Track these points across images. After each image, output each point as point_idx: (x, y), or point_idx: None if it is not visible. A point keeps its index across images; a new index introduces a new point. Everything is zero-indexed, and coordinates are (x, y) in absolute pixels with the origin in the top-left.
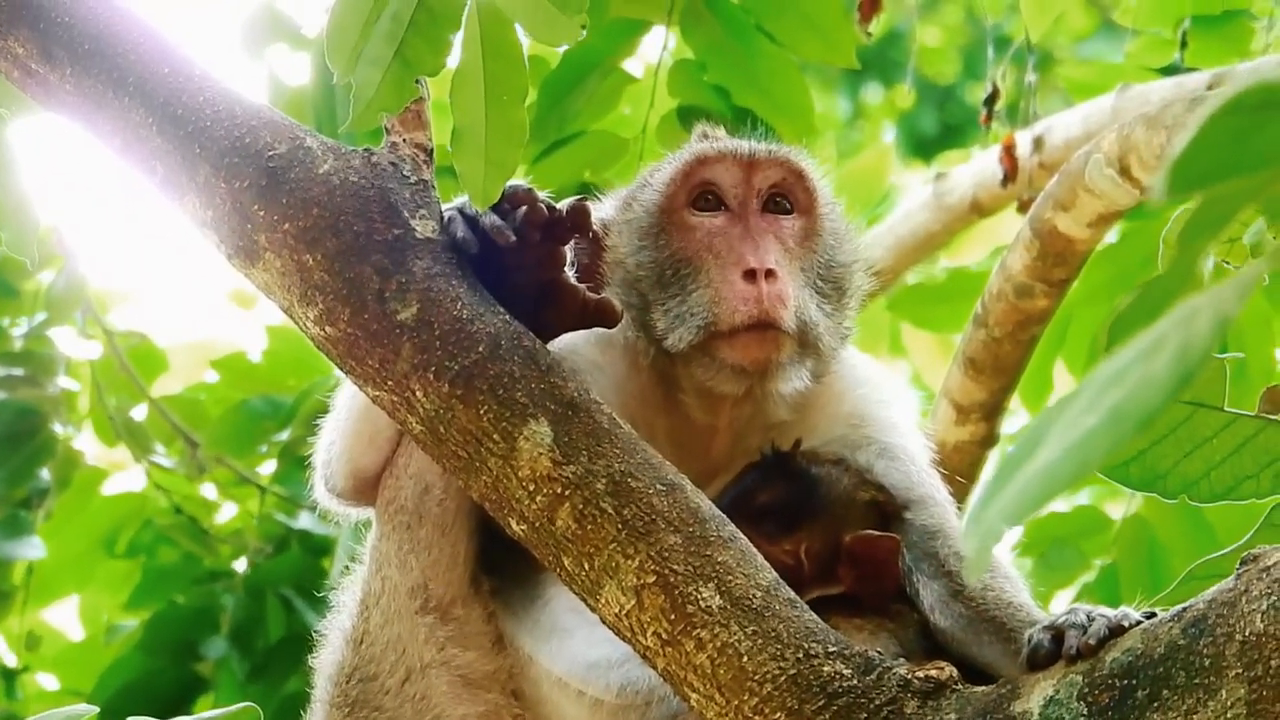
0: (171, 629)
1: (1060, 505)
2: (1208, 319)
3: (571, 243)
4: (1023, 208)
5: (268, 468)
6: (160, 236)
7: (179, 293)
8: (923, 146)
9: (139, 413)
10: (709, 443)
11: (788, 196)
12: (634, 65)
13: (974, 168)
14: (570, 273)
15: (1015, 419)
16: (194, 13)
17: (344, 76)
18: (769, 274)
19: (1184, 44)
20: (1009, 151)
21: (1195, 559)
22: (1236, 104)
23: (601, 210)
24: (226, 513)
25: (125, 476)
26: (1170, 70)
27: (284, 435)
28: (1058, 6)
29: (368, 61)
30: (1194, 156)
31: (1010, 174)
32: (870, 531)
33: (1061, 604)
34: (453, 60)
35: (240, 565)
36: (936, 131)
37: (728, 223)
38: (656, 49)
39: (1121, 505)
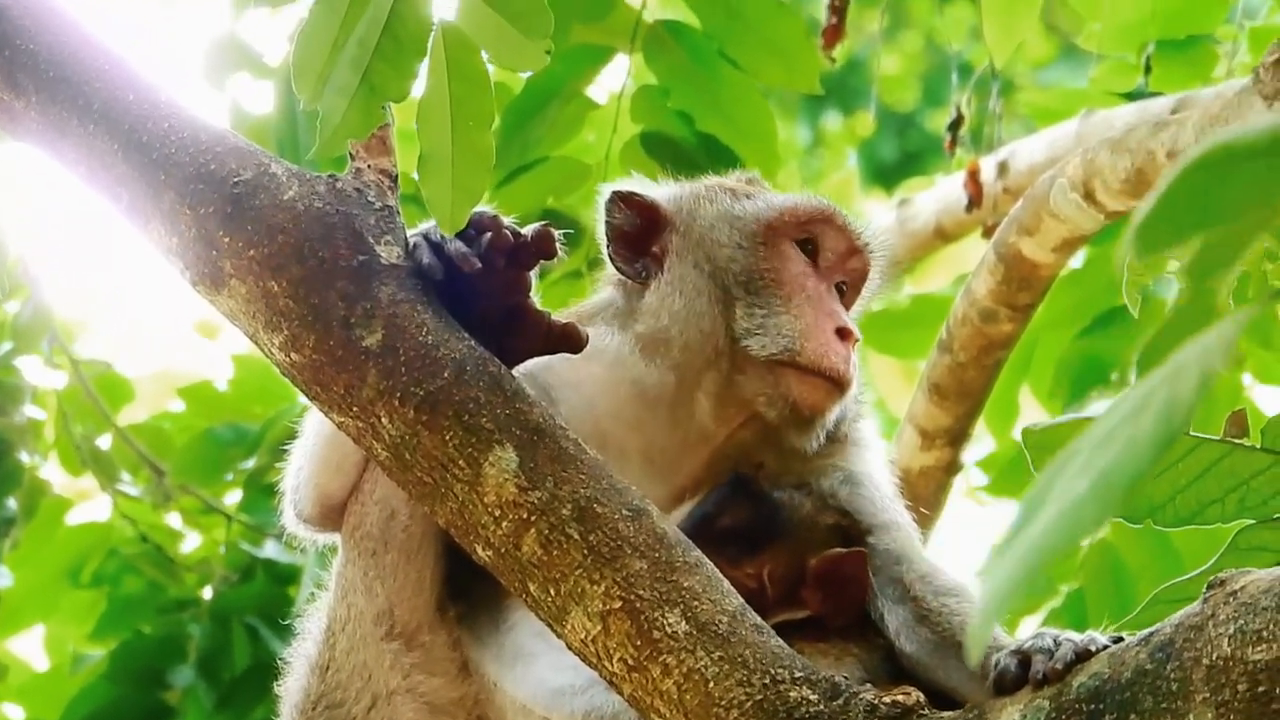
0: (138, 658)
1: None
2: (1193, 376)
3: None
4: (987, 233)
5: (234, 496)
6: (125, 264)
7: (144, 322)
8: (883, 174)
9: (105, 441)
10: (680, 463)
11: (851, 288)
12: (597, 91)
13: (938, 193)
14: (535, 299)
15: (980, 445)
16: (158, 41)
17: (310, 104)
18: (856, 343)
19: (1148, 69)
20: (974, 177)
21: (1162, 584)
22: (1199, 165)
23: (672, 190)
24: (192, 541)
25: (91, 505)
26: (1134, 95)
27: (250, 464)
28: (1021, 32)
29: (334, 88)
30: (1160, 218)
31: (975, 199)
32: (836, 550)
33: (1028, 630)
34: (418, 87)
35: (206, 594)
36: (896, 159)
37: (816, 276)
38: (619, 75)
39: None
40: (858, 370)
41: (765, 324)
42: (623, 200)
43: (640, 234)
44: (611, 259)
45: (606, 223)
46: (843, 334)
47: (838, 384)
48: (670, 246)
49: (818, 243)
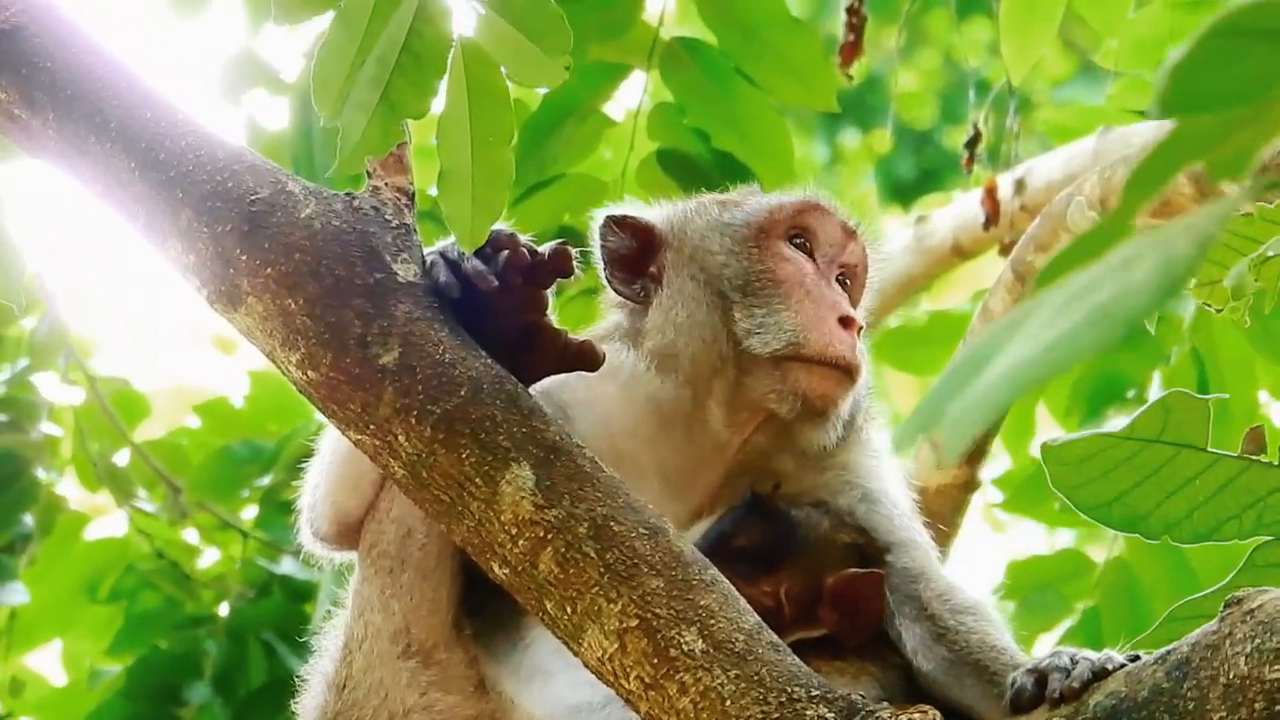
0: (154, 674)
1: (1042, 548)
2: (1187, 238)
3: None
4: (1004, 250)
5: (250, 512)
6: (142, 281)
7: (160, 338)
8: (900, 191)
9: (121, 458)
10: (697, 479)
11: (852, 277)
12: (614, 109)
13: (955, 211)
14: (552, 317)
15: (997, 463)
16: (174, 57)
17: (330, 121)
18: (859, 330)
19: None
20: (991, 194)
21: (1176, 600)
22: (1231, 25)
23: (663, 213)
24: (208, 558)
25: (107, 521)
26: None
27: (266, 480)
28: (1039, 49)
29: (353, 105)
30: (1191, 72)
31: (992, 217)
32: (852, 569)
33: (1044, 648)
34: (437, 104)
35: (222, 610)
36: (914, 176)
37: (815, 271)
38: (636, 92)
39: (1103, 548)
40: (866, 358)
41: (765, 322)
42: (616, 224)
43: (636, 256)
44: (609, 282)
45: (602, 247)
46: (845, 322)
47: (846, 372)
48: (666, 263)
49: (811, 235)
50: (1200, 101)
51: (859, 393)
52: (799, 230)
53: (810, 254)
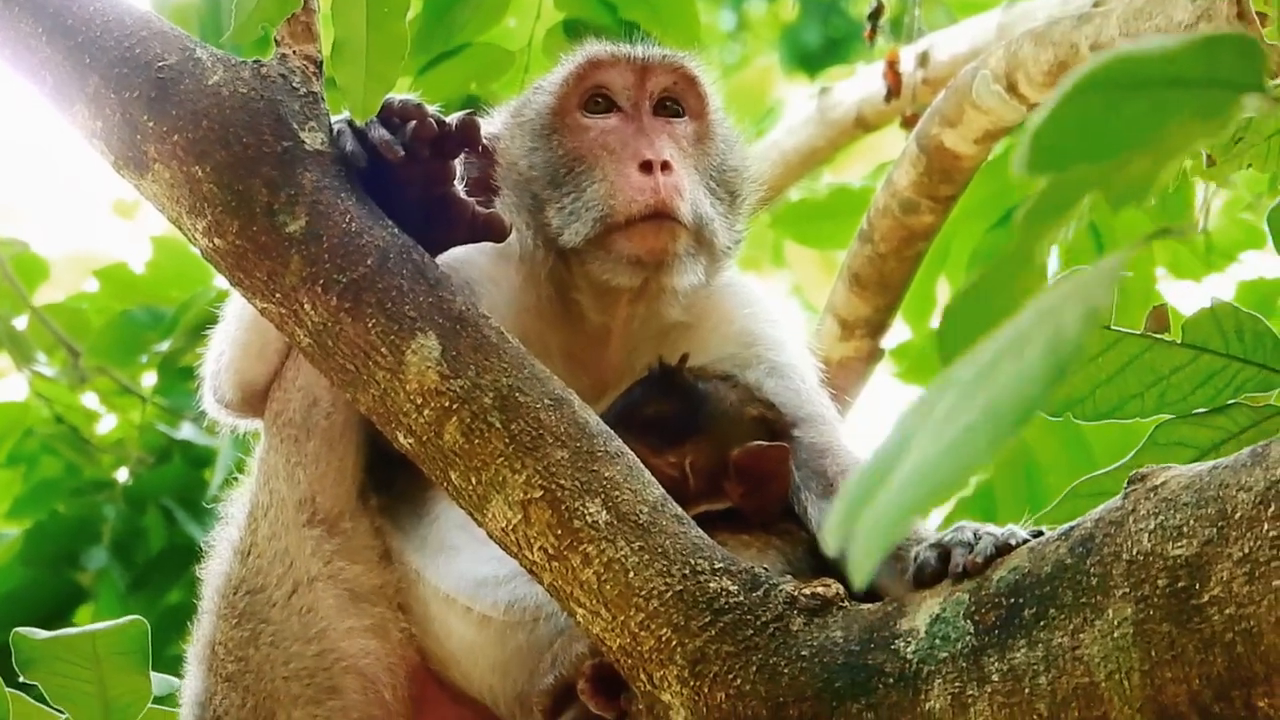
0: (52, 539)
1: None
2: (1076, 311)
3: (461, 156)
4: (907, 123)
5: (150, 378)
6: (45, 145)
7: (61, 202)
8: (806, 60)
9: (20, 322)
10: (602, 355)
11: (680, 101)
12: None
13: (858, 83)
14: (460, 187)
15: (898, 334)
16: None
17: None
18: (664, 166)
19: None
20: (893, 67)
21: (1072, 476)
22: (1094, 80)
23: (492, 124)
24: (108, 423)
25: (6, 385)
26: None
27: (166, 346)
28: None
29: None
30: (1054, 131)
31: (894, 90)
32: (759, 442)
33: (937, 521)
34: None
35: (122, 475)
36: (820, 44)
37: (621, 122)
38: None
39: None
40: (681, 185)
41: (575, 209)
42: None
43: (484, 174)
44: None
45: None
46: (646, 166)
47: (660, 216)
48: (496, 180)
49: (605, 88)
50: (1066, 158)
51: (703, 221)
52: (592, 91)
53: (616, 107)
